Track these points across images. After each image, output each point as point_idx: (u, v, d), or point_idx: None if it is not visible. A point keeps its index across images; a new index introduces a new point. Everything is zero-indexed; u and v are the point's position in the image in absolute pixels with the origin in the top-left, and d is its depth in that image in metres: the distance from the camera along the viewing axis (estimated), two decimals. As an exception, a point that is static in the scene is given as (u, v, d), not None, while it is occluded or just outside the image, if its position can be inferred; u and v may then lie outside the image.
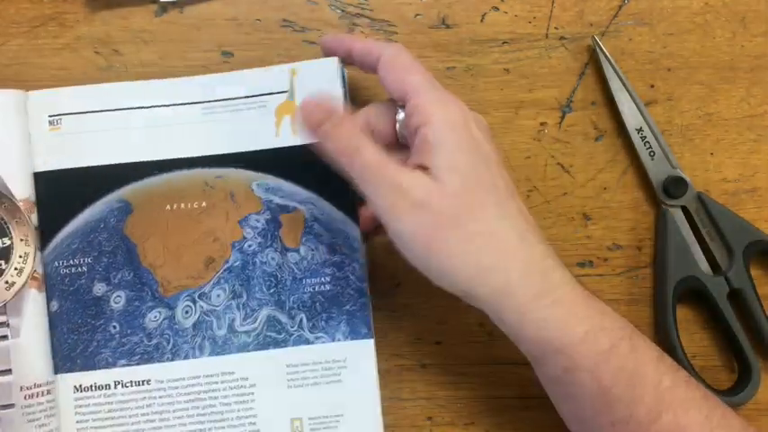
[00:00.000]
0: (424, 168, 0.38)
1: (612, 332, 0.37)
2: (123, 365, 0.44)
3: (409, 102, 0.39)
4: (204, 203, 0.45)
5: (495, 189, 0.38)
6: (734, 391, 0.45)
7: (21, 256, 0.42)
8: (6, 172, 0.43)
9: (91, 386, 0.43)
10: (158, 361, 0.44)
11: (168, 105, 0.45)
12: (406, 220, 0.37)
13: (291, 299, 0.44)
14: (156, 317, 0.44)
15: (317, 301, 0.44)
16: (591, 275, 0.47)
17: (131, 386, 0.44)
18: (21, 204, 0.42)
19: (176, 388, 0.44)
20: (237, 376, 0.44)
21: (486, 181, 0.38)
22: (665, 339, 0.45)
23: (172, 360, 0.44)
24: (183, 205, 0.45)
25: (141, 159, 0.45)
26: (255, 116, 0.45)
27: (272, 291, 0.44)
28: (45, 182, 0.44)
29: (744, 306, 0.46)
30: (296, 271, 0.44)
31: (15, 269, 0.42)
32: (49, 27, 0.48)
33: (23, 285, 0.42)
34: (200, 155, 0.45)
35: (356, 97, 0.47)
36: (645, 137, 0.47)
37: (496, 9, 0.48)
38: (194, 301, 0.44)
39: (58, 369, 0.43)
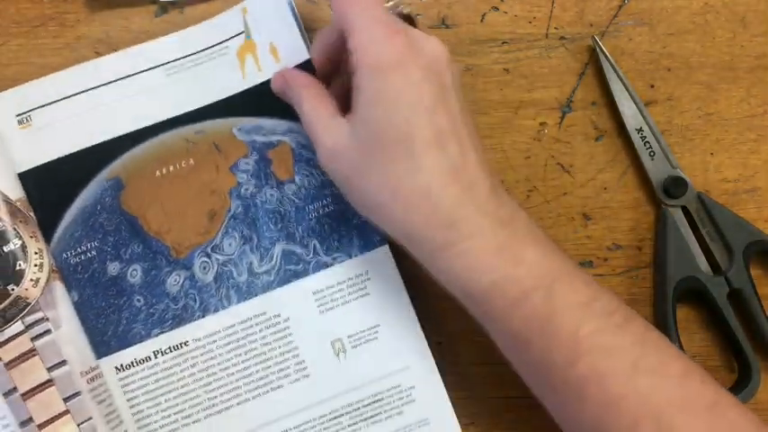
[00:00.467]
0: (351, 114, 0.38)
1: (526, 281, 0.36)
2: (158, 334, 0.44)
3: (348, 43, 0.38)
4: (192, 161, 0.45)
5: (411, 141, 0.36)
6: (734, 392, 0.45)
7: (36, 253, 0.42)
8: (-7, 179, 0.43)
9: (132, 363, 0.44)
10: (190, 321, 0.44)
11: (131, 75, 0.45)
12: (326, 166, 0.39)
13: (300, 228, 0.44)
14: (176, 280, 0.44)
15: (325, 223, 0.44)
16: (591, 275, 0.47)
17: (171, 351, 0.44)
18: (18, 205, 0.43)
19: (215, 341, 0.44)
20: (270, 315, 0.44)
21: (401, 133, 0.37)
22: (665, 339, 0.45)
23: (203, 317, 0.44)
24: (171, 168, 0.45)
25: (118, 134, 0.45)
26: (219, 64, 0.45)
27: (279, 226, 0.44)
28: (31, 180, 0.44)
29: (744, 306, 0.46)
30: (297, 201, 0.45)
31: (35, 265, 0.42)
32: (49, 27, 0.48)
33: (48, 279, 0.42)
34: (175, 115, 0.45)
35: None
36: (645, 137, 0.47)
37: (496, 9, 0.48)
38: (209, 256, 0.44)
39: (96, 356, 0.44)
